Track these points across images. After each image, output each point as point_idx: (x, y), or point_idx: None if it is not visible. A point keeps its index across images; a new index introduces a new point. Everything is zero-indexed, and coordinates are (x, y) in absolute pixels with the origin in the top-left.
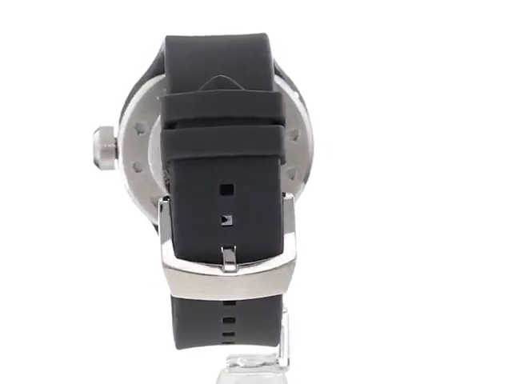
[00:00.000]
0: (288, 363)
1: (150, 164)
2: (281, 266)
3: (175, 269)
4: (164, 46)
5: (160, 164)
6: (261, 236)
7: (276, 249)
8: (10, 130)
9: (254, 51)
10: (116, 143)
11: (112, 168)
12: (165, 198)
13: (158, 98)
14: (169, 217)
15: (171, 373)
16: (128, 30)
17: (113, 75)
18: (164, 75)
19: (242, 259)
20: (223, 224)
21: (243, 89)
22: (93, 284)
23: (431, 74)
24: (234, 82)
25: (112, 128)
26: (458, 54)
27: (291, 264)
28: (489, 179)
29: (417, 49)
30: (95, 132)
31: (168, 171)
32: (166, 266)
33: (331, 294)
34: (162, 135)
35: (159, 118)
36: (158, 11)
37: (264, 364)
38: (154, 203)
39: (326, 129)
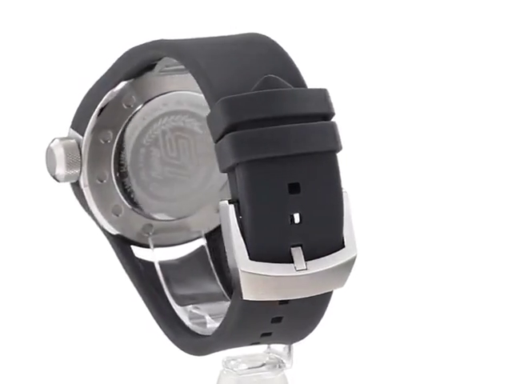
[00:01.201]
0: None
1: (113, 172)
2: (347, 262)
3: (252, 273)
4: (178, 49)
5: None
6: (326, 232)
7: (338, 244)
8: None
9: (271, 49)
10: (81, 154)
11: (73, 180)
12: (230, 202)
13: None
14: (236, 220)
15: (172, 373)
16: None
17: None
18: (130, 81)
19: (309, 256)
20: (292, 222)
21: (292, 87)
22: (93, 284)
23: (431, 72)
24: (282, 80)
25: (74, 139)
26: (456, 53)
27: (354, 259)
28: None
29: (416, 47)
30: (55, 143)
31: (230, 174)
32: (243, 271)
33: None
34: (229, 138)
35: (124, 125)
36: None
37: (264, 364)
38: (114, 213)
39: None
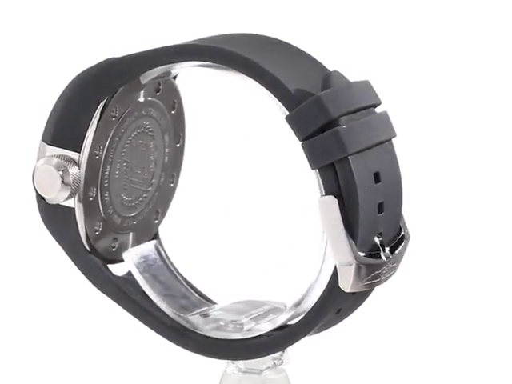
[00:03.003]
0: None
1: (99, 187)
2: (407, 245)
3: (364, 263)
4: (237, 57)
5: None
6: (396, 218)
7: (398, 228)
8: None
9: (288, 46)
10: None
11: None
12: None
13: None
14: (339, 213)
15: (175, 373)
16: None
17: None
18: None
19: (386, 242)
20: (379, 212)
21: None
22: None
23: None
24: (343, 75)
25: (71, 157)
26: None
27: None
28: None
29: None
30: (49, 163)
31: (325, 170)
32: (356, 263)
33: None
34: (333, 133)
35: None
36: None
37: (265, 364)
38: (96, 230)
39: None
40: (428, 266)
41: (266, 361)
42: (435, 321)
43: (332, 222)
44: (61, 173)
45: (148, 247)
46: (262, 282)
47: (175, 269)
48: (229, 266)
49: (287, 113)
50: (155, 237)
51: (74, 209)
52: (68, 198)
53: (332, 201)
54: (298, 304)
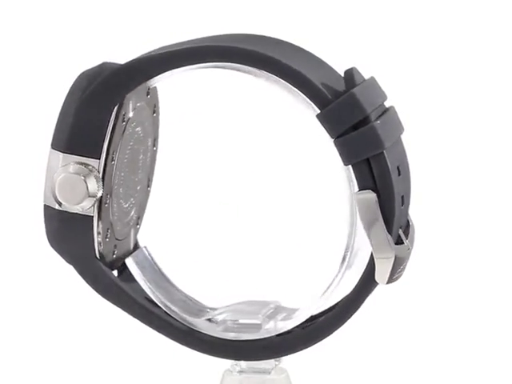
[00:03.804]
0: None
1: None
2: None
3: (399, 256)
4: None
5: None
6: (408, 209)
7: (407, 219)
8: None
9: (293, 45)
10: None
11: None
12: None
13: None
14: (378, 208)
15: (176, 372)
16: None
17: None
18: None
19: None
20: (402, 205)
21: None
22: None
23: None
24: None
25: (91, 164)
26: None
27: None
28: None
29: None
30: (70, 172)
31: (359, 166)
32: (395, 257)
33: None
34: (370, 128)
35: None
36: None
37: (267, 364)
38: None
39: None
40: (428, 266)
41: (269, 360)
42: (435, 321)
43: (372, 217)
44: (85, 181)
45: (144, 253)
46: (261, 282)
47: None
48: (237, 265)
49: (316, 111)
50: (137, 243)
51: (92, 217)
52: (91, 206)
53: (372, 196)
54: (326, 297)
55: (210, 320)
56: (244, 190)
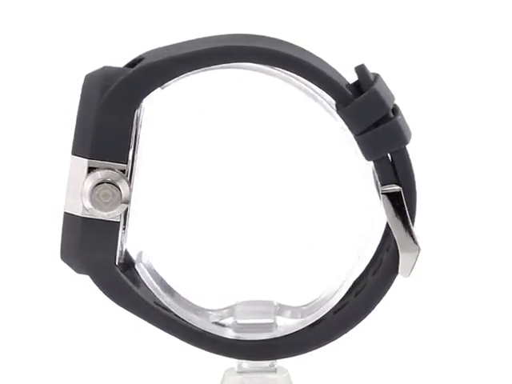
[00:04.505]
0: None
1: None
2: None
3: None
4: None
5: None
6: None
7: None
8: None
9: (294, 45)
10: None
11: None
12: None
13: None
14: (404, 201)
15: (177, 372)
16: None
17: None
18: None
19: None
20: None
21: None
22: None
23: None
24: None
25: (121, 169)
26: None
27: None
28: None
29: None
30: (101, 179)
31: (381, 162)
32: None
33: None
34: (393, 124)
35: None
36: None
37: (269, 364)
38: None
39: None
40: (428, 265)
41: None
42: (435, 321)
43: (399, 211)
44: (118, 187)
45: (146, 258)
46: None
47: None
48: (240, 264)
49: (327, 108)
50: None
51: (118, 223)
52: (122, 212)
53: (398, 190)
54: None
55: (217, 323)
56: (258, 190)
